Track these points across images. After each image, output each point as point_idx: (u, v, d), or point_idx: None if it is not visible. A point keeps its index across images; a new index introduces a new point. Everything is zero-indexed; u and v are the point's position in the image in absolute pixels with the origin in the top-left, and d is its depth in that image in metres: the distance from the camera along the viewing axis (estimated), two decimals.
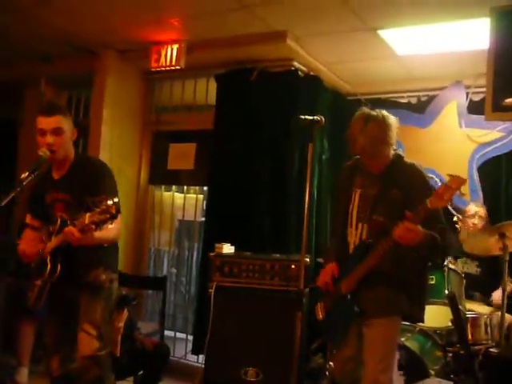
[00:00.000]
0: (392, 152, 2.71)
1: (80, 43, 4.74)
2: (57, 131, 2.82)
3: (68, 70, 5.15)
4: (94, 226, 2.52)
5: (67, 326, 2.90)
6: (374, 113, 2.64)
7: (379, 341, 2.58)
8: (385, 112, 2.65)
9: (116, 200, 2.47)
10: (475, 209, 4.08)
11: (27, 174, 2.67)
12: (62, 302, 2.89)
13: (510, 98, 3.19)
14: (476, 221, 4.01)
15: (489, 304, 3.80)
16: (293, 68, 4.53)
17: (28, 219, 3.05)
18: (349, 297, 2.65)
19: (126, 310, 3.56)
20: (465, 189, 4.52)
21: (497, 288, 3.73)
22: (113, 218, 2.47)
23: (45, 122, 2.81)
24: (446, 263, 3.67)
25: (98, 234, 2.67)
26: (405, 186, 2.59)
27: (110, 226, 2.59)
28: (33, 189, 2.89)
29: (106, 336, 2.86)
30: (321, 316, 2.79)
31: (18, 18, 4.22)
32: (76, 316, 2.84)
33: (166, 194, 5.47)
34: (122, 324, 3.49)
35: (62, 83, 5.39)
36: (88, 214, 2.50)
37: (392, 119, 2.64)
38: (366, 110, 2.69)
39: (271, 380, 3.61)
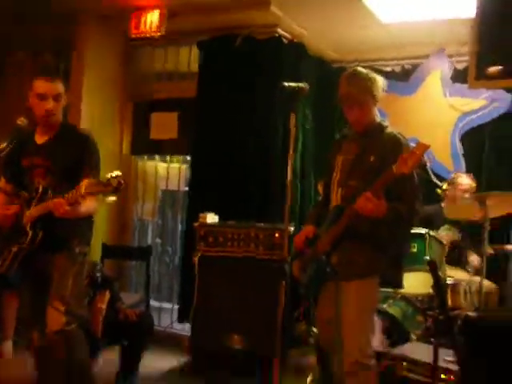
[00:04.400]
0: (377, 118, 2.73)
1: (58, 7, 4.59)
2: (57, 97, 2.79)
3: (46, 35, 5.01)
4: (81, 200, 2.50)
5: (42, 298, 2.84)
6: (362, 69, 2.72)
7: (355, 303, 2.61)
8: None
9: (118, 173, 2.42)
10: (470, 183, 4.07)
11: (5, 144, 2.62)
12: (36, 271, 2.85)
13: (493, 66, 3.18)
14: (468, 194, 4.03)
15: (465, 268, 3.89)
16: (277, 35, 4.48)
17: (1, 183, 2.97)
18: (323, 258, 2.67)
19: (108, 291, 3.55)
20: (447, 158, 4.55)
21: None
22: (116, 190, 2.43)
23: (45, 87, 2.76)
24: (426, 231, 3.71)
25: (83, 208, 2.66)
26: (382, 153, 2.60)
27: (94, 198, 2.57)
28: (10, 154, 2.80)
29: (76, 310, 2.82)
30: (296, 273, 2.82)
31: None
32: (49, 289, 2.80)
33: (149, 164, 5.43)
34: (104, 306, 3.49)
35: (40, 49, 5.25)
36: (85, 184, 2.46)
37: (379, 77, 2.71)
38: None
39: (256, 347, 3.65)
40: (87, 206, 2.67)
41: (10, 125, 2.81)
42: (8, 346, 4.14)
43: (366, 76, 2.67)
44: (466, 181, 4.11)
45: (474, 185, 4.08)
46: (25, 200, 2.81)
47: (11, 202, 2.87)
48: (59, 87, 2.80)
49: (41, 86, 2.77)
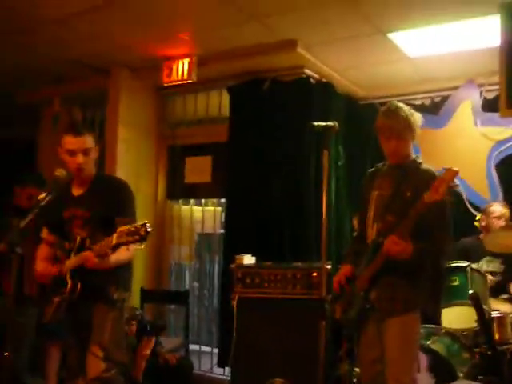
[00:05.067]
0: (412, 153, 2.76)
1: (92, 62, 4.81)
2: (86, 151, 2.86)
3: (81, 90, 5.23)
4: (110, 251, 2.55)
5: (86, 347, 2.86)
6: (399, 103, 2.76)
7: (397, 339, 2.57)
8: None
9: (146, 222, 2.47)
10: (501, 210, 4.03)
11: (45, 195, 2.69)
12: (79, 321, 2.88)
13: None
14: (502, 222, 3.96)
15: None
16: (304, 76, 4.54)
17: (44, 233, 3.05)
18: (362, 294, 2.65)
19: (154, 338, 3.56)
20: (484, 187, 4.48)
21: None
22: (142, 240, 2.46)
23: (74, 142, 2.83)
24: (467, 264, 3.63)
25: (113, 258, 2.70)
26: (418, 188, 2.58)
27: (131, 248, 2.61)
28: (50, 205, 2.87)
29: (115, 356, 2.81)
30: (338, 315, 2.79)
31: (32, 39, 4.29)
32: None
33: (185, 208, 5.49)
34: (148, 351, 3.50)
35: (76, 103, 5.47)
36: (116, 235, 2.51)
37: (417, 114, 2.75)
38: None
39: None
40: (119, 255, 2.71)
41: (49, 177, 2.90)
42: None
43: (406, 110, 2.71)
44: (498, 208, 4.04)
45: (506, 211, 4.00)
46: (65, 251, 2.88)
47: (53, 253, 2.94)
48: (88, 141, 2.86)
49: (69, 142, 2.84)
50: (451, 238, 2.65)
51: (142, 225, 2.46)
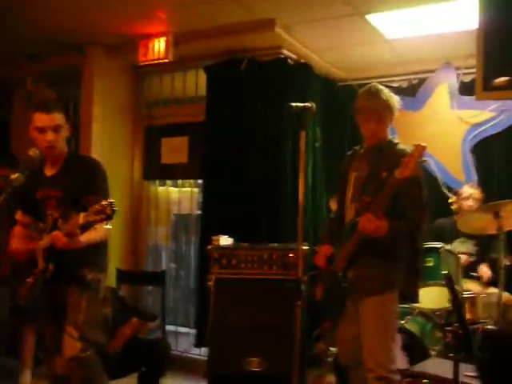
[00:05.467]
0: (388, 134, 2.80)
1: (65, 40, 4.69)
2: (56, 128, 2.83)
3: (55, 68, 5.11)
4: (79, 231, 2.53)
5: (62, 328, 2.86)
6: (379, 85, 2.80)
7: (375, 319, 2.61)
8: None
9: (111, 200, 2.46)
10: (469, 190, 4.11)
11: (17, 175, 2.65)
12: (54, 301, 2.87)
13: (500, 77, 3.18)
14: (470, 202, 4.05)
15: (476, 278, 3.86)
16: (282, 56, 4.52)
17: (19, 216, 3.03)
18: (340, 274, 2.68)
19: (134, 319, 3.56)
20: (459, 170, 4.53)
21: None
22: (108, 218, 2.46)
23: (44, 120, 2.80)
24: (441, 245, 3.69)
25: (84, 238, 2.69)
26: (393, 169, 2.59)
27: (99, 226, 2.59)
28: (23, 185, 2.84)
29: (91, 336, 2.83)
30: (318, 296, 2.83)
31: (3, 16, 4.18)
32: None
33: (161, 189, 5.46)
34: (129, 331, 3.50)
35: (49, 81, 5.36)
36: (83, 214, 2.50)
37: (396, 97, 2.78)
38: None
39: (274, 369, 3.62)
40: (89, 235, 2.70)
41: (23, 157, 2.85)
42: (27, 375, 4.16)
43: (386, 93, 2.74)
44: (466, 189, 4.12)
45: (474, 192, 4.07)
46: (39, 231, 2.85)
47: (29, 233, 2.91)
48: (58, 119, 2.84)
49: (39, 119, 2.82)
50: (427, 215, 2.68)
51: (108, 203, 2.44)
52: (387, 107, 2.71)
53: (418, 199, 2.62)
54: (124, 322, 3.57)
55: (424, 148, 2.42)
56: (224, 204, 4.58)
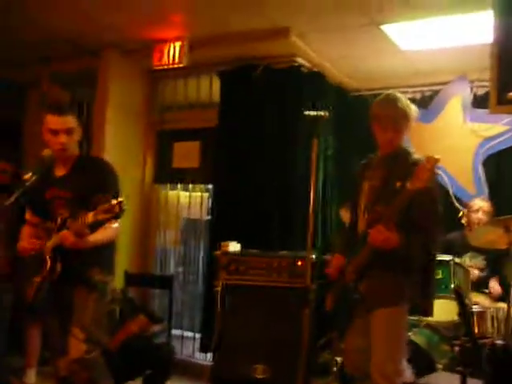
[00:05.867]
0: (402, 143, 2.75)
1: (81, 43, 4.74)
2: (69, 131, 2.85)
3: (70, 71, 5.16)
4: (88, 231, 2.55)
5: (67, 327, 2.87)
6: (399, 94, 2.74)
7: (383, 331, 2.58)
8: None
9: (120, 199, 2.47)
10: (479, 204, 4.09)
11: (30, 174, 2.67)
12: (60, 301, 2.89)
13: None
14: (480, 215, 4.02)
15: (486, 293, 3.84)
16: (296, 64, 4.53)
17: (28, 215, 3.05)
18: (351, 286, 2.66)
19: (142, 316, 3.55)
20: (470, 183, 4.51)
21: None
22: (116, 217, 2.47)
23: (56, 122, 2.83)
24: (451, 258, 3.67)
25: (92, 238, 2.70)
26: (407, 179, 2.56)
27: (108, 226, 2.60)
28: (33, 186, 2.86)
29: (96, 338, 2.83)
30: (328, 306, 2.80)
31: (19, 19, 4.22)
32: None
33: (172, 193, 5.47)
34: (135, 328, 3.49)
35: (64, 83, 5.41)
36: (92, 213, 2.51)
37: (414, 106, 2.73)
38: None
39: (279, 376, 3.61)
40: (97, 235, 2.72)
41: (36, 157, 2.88)
42: (31, 373, 4.17)
43: (404, 101, 2.70)
44: (476, 202, 4.10)
45: (484, 205, 4.06)
46: (48, 231, 2.87)
47: (38, 233, 2.93)
48: (70, 121, 2.86)
49: (52, 121, 2.84)
50: (441, 229, 2.65)
51: (117, 202, 2.45)
52: (404, 116, 2.67)
53: (431, 211, 2.58)
54: (131, 319, 3.57)
55: (437, 160, 2.38)
56: (233, 209, 4.58)
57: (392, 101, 2.70)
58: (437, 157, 2.38)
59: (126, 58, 4.95)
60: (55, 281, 2.78)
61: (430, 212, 2.58)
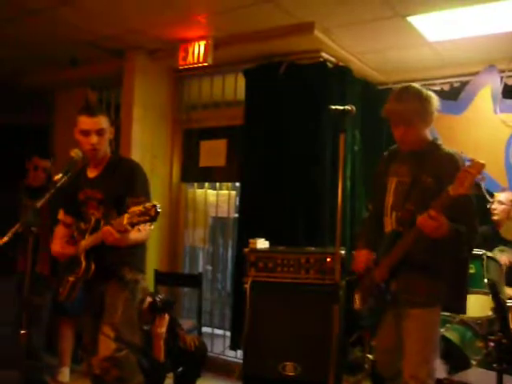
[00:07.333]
0: (429, 137, 2.64)
1: (107, 45, 4.80)
2: (100, 131, 2.90)
3: (96, 72, 5.23)
4: (130, 227, 2.55)
5: (98, 325, 2.90)
6: (415, 85, 2.62)
7: (417, 332, 2.53)
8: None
9: (155, 203, 2.49)
10: (506, 195, 4.07)
11: (61, 175, 2.71)
12: (94, 300, 2.93)
13: None
14: (506, 207, 3.97)
15: None
16: (321, 59, 4.49)
17: (61, 215, 3.10)
18: (383, 285, 2.59)
19: (167, 315, 3.57)
20: (502, 175, 4.42)
21: None
22: (152, 220, 2.48)
23: (89, 123, 2.88)
24: (483, 252, 3.60)
25: (132, 236, 2.73)
26: (439, 174, 2.50)
27: (142, 228, 2.62)
28: (66, 186, 2.90)
29: (127, 337, 2.85)
30: (358, 305, 2.76)
31: (44, 21, 4.28)
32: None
33: (199, 192, 5.49)
34: (163, 329, 3.50)
35: (91, 84, 5.48)
36: (127, 215, 2.53)
37: (433, 97, 2.59)
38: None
39: (310, 374, 3.59)
40: (137, 233, 2.73)
41: (66, 159, 2.92)
42: (65, 372, 4.24)
43: (416, 94, 2.56)
44: (503, 194, 4.03)
45: (510, 196, 4.00)
46: (81, 231, 2.91)
47: (71, 233, 2.98)
48: (102, 122, 2.91)
49: (84, 122, 2.89)
50: (477, 231, 2.56)
51: (152, 205, 2.47)
52: (416, 110, 2.53)
53: (470, 211, 2.50)
54: (154, 320, 3.54)
55: (483, 166, 2.24)
56: (261, 207, 4.58)
57: (403, 94, 2.57)
58: (482, 162, 2.24)
59: (152, 58, 4.98)
60: (88, 279, 2.83)
61: (466, 218, 2.48)
